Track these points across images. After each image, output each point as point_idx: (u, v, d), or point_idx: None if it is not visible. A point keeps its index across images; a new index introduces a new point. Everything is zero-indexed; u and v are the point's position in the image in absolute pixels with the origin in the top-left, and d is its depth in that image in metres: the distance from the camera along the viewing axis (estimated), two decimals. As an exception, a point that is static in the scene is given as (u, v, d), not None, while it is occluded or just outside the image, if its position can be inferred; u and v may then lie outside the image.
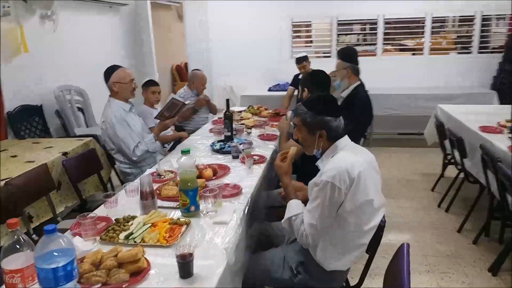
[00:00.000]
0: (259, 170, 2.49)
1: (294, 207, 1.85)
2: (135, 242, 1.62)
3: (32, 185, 2.43)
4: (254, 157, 2.69)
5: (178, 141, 3.66)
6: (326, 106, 1.84)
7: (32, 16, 3.87)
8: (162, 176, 2.37)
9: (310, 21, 6.39)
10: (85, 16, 4.70)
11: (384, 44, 6.55)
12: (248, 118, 3.79)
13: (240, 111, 4.14)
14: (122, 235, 1.65)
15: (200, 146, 3.05)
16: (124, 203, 1.99)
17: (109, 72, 2.93)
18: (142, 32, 5.70)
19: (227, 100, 3.20)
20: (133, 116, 3.06)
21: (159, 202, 2.02)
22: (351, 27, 8.10)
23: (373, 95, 5.33)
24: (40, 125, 3.79)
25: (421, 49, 6.01)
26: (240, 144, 2.82)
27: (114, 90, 2.91)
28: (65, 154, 2.96)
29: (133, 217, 1.82)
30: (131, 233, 1.66)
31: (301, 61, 4.94)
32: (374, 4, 5.75)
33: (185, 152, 1.86)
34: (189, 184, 1.84)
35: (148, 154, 2.99)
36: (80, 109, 4.26)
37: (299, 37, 8.35)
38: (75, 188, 2.75)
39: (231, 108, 4.29)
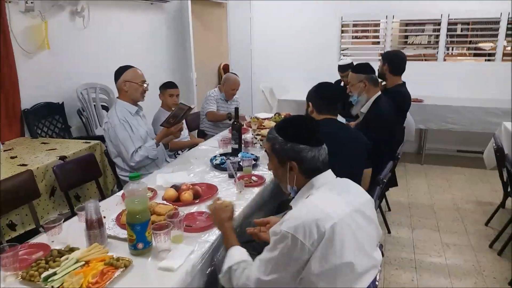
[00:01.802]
0: (250, 196, 2.12)
1: (235, 254, 1.48)
2: (52, 287, 1.35)
3: (13, 193, 2.28)
4: (253, 177, 2.33)
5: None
6: (300, 131, 1.44)
7: (61, 12, 3.81)
8: (139, 195, 2.10)
9: (358, 20, 5.77)
10: (122, 13, 4.60)
11: (456, 47, 5.78)
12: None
13: (265, 119, 3.76)
14: (45, 274, 1.39)
15: (203, 159, 2.74)
16: (76, 229, 1.74)
17: (121, 70, 2.79)
18: (184, 30, 5.53)
19: (236, 109, 2.86)
20: (139, 120, 2.86)
21: (117, 231, 1.75)
22: (423, 27, 7.31)
23: (429, 105, 4.72)
24: (60, 123, 3.73)
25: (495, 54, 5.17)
26: (242, 160, 2.47)
27: (124, 90, 2.76)
28: (63, 158, 2.81)
29: (72, 250, 1.55)
30: (54, 274, 1.40)
31: (346, 69, 4.28)
32: (438, 3, 5.04)
33: (134, 178, 1.55)
34: (137, 216, 1.53)
35: (149, 160, 2.76)
36: (105, 107, 4.17)
37: (366, 37, 7.76)
38: (66, 196, 2.58)
39: (257, 114, 3.96)
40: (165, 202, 1.99)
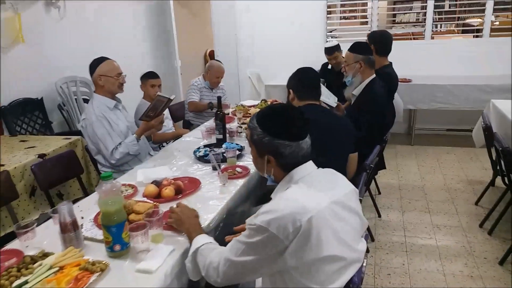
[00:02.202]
0: (234, 188, 2.06)
1: (202, 239, 1.47)
2: (23, 296, 1.29)
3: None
4: (237, 169, 2.26)
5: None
6: (281, 123, 1.37)
7: (34, 3, 3.67)
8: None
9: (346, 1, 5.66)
10: (100, 1, 4.45)
11: (444, 24, 5.68)
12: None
13: (251, 106, 3.69)
14: (16, 284, 1.33)
15: (187, 151, 2.66)
16: (52, 232, 1.67)
17: (95, 64, 2.64)
18: (167, 17, 5.38)
19: (219, 98, 2.78)
20: (118, 114, 2.75)
21: (95, 232, 1.68)
22: (411, 5, 7.17)
23: (418, 85, 4.66)
24: (40, 119, 3.63)
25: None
26: (226, 151, 2.41)
27: (99, 84, 2.63)
28: (42, 156, 2.73)
29: (46, 255, 1.49)
30: (26, 282, 1.34)
31: (333, 51, 4.22)
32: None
33: (106, 178, 1.48)
34: (112, 218, 1.47)
35: (130, 156, 2.68)
36: (87, 101, 4.06)
37: (354, 17, 7.60)
38: (47, 195, 2.51)
39: (243, 102, 3.89)
40: (145, 199, 1.93)
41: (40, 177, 2.47)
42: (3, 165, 2.54)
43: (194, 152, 2.54)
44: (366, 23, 6.00)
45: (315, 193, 1.28)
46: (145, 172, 2.22)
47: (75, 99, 3.91)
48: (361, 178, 2.07)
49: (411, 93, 4.61)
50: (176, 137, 3.34)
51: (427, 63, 5.07)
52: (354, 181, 2.13)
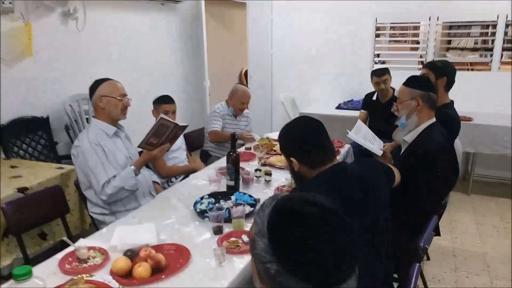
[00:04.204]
0: (233, 271, 1.51)
1: None
2: None
3: None
4: (244, 237, 1.72)
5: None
6: (298, 251, 0.75)
7: (49, 13, 3.36)
8: (82, 264, 1.54)
9: (397, 23, 5.04)
10: (126, 14, 4.13)
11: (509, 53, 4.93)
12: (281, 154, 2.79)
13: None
14: None
15: (189, 199, 2.13)
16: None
17: (96, 84, 2.27)
18: (198, 33, 5.00)
19: (233, 136, 2.26)
20: (118, 142, 2.33)
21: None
22: (468, 31, 6.43)
23: (480, 125, 3.95)
24: (44, 140, 3.28)
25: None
26: (234, 205, 1.88)
27: (100, 107, 2.25)
28: (22, 190, 2.32)
29: None
30: None
31: (384, 72, 3.69)
32: (494, 2, 4.25)
33: (20, 277, 0.97)
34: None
35: (126, 192, 2.22)
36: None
37: (405, 41, 6.94)
38: (18, 241, 2.08)
39: (269, 134, 3.37)
40: (110, 278, 1.42)
41: (12, 219, 2.05)
42: (-27, 200, 2.14)
43: (195, 204, 2.01)
44: (416, 49, 5.39)
45: None
46: (123, 232, 1.72)
47: (87, 118, 3.54)
48: (413, 272, 1.46)
49: (470, 134, 3.89)
50: (188, 171, 2.86)
51: (492, 99, 4.33)
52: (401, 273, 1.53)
